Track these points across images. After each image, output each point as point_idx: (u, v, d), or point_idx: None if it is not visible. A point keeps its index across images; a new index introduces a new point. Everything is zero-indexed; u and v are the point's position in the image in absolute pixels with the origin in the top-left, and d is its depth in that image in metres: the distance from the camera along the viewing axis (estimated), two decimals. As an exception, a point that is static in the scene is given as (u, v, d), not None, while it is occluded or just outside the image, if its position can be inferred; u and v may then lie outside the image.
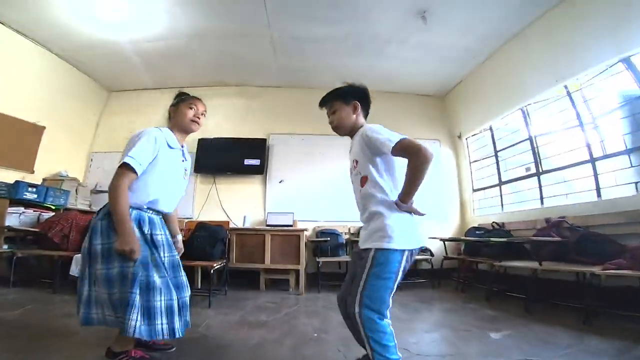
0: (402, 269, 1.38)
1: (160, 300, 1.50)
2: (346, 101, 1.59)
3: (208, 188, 4.91)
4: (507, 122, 4.37)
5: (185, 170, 1.85)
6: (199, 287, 3.85)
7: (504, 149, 4.41)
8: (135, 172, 1.50)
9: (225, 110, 5.22)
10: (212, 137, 4.99)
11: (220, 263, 3.48)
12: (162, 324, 1.49)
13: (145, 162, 1.54)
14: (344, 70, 4.64)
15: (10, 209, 3.50)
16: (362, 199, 1.49)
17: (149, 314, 1.47)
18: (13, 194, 3.51)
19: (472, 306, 3.16)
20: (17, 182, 3.54)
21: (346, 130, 1.60)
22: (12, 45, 3.80)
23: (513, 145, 4.22)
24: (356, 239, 4.45)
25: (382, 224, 1.38)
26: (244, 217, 4.55)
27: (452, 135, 5.29)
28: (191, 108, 1.79)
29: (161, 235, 1.66)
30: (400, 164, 1.46)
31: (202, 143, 4.96)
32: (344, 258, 4.28)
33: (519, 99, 4.04)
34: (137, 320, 1.42)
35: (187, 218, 4.64)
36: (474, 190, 4.92)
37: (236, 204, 4.84)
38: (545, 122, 3.83)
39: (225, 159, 4.88)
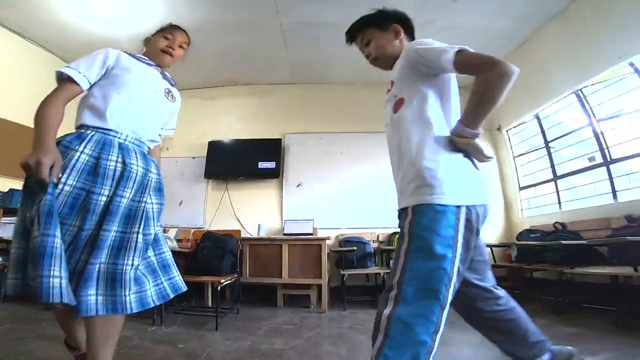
0: (462, 238, 0.88)
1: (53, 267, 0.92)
2: (383, 27, 1.20)
3: (220, 195, 4.50)
4: (558, 108, 3.75)
5: (169, 90, 1.45)
6: (209, 305, 3.39)
7: (556, 139, 3.76)
8: (75, 82, 1.18)
9: (236, 110, 4.86)
10: (223, 139, 4.62)
11: (230, 278, 3.02)
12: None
13: (91, 72, 1.22)
14: (361, 60, 4.15)
15: (4, 219, 3.21)
16: (394, 132, 1.04)
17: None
18: (7, 203, 3.22)
19: (540, 321, 2.51)
20: (10, 190, 3.25)
21: (389, 59, 1.18)
22: (9, 46, 3.60)
23: (569, 133, 3.59)
24: (387, 247, 3.91)
25: (420, 167, 0.92)
26: (259, 226, 4.10)
27: (491, 128, 4.67)
28: (166, 38, 1.43)
29: (137, 166, 1.20)
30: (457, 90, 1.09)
31: (213, 146, 4.60)
32: (373, 269, 3.71)
33: (571, 82, 3.44)
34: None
35: (198, 228, 4.24)
36: (521, 189, 4.27)
37: (250, 211, 4.40)
38: (608, 105, 3.21)
39: (238, 162, 4.49)
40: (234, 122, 4.77)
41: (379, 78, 4.94)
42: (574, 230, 3.18)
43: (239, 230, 3.68)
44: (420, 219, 0.89)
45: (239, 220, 4.35)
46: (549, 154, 3.82)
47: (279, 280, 3.48)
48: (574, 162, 3.55)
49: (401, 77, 1.04)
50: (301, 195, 4.41)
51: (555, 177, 3.75)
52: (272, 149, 4.50)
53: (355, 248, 3.66)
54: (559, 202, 3.69)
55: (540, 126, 3.96)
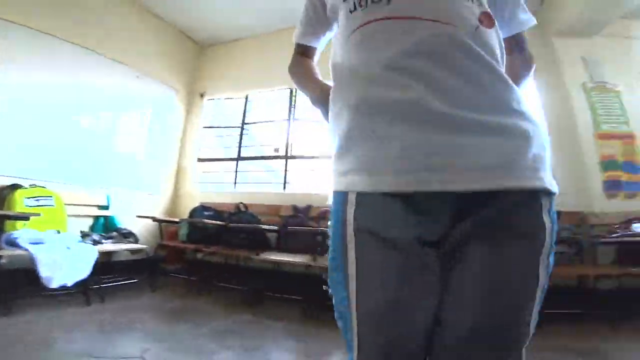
0: None
1: None
2: None
3: None
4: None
5: None
6: None
7: (252, 123, 3.84)
8: None
9: None
10: None
11: None
12: None
13: None
14: None
15: None
16: (474, 51, 0.52)
17: None
18: None
19: (242, 317, 2.22)
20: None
21: None
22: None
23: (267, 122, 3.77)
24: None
25: (544, 134, 0.54)
26: None
27: (193, 91, 4.04)
28: None
29: None
30: None
31: None
32: None
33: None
34: None
35: None
36: (199, 160, 3.93)
37: None
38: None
39: None
40: None
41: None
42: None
43: None
44: (554, 216, 0.50)
45: None
46: (241, 135, 3.81)
47: None
48: (259, 148, 3.75)
49: None
50: None
51: (239, 158, 3.76)
52: None
53: None
54: (235, 183, 3.72)
55: (245, 107, 3.90)
